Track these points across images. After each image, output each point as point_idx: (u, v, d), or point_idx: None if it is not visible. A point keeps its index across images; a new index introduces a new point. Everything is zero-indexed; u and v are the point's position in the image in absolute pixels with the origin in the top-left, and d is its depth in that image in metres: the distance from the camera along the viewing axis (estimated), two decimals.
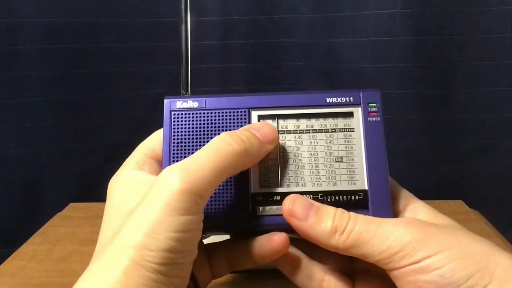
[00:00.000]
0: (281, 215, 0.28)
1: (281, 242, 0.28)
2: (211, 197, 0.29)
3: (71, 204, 0.61)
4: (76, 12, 0.66)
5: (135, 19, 0.68)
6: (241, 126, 0.30)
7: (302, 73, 0.71)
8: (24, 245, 0.50)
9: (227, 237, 0.32)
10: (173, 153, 0.30)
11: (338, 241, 0.26)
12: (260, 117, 0.31)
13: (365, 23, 0.65)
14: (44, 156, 0.68)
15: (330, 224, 0.26)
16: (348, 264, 0.31)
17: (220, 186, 0.29)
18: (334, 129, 0.30)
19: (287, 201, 0.28)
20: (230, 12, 0.69)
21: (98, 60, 0.68)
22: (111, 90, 0.70)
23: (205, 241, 0.32)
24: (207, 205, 0.29)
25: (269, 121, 0.31)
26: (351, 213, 0.27)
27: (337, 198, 0.29)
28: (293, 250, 0.30)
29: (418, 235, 0.25)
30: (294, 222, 0.27)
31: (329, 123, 0.31)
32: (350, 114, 0.31)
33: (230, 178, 0.29)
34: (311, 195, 0.29)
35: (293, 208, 0.27)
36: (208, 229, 0.29)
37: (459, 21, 0.65)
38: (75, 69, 0.67)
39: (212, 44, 0.69)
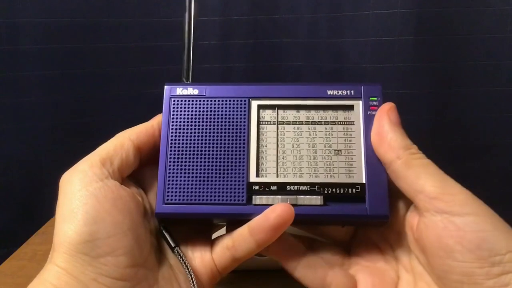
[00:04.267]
0: None
1: (283, 210, 0.27)
2: (206, 184, 0.29)
3: None
4: (76, 12, 0.66)
5: (135, 19, 0.68)
6: (241, 115, 0.30)
7: (302, 73, 0.71)
8: (24, 245, 0.50)
9: None
10: (171, 139, 0.30)
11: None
12: (260, 107, 0.30)
13: (365, 23, 0.65)
14: (44, 156, 0.68)
15: None
16: (347, 240, 0.32)
17: (216, 174, 0.29)
18: (334, 121, 0.30)
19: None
20: (230, 12, 0.69)
21: (98, 60, 0.68)
22: (111, 90, 0.70)
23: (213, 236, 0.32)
24: (203, 192, 0.29)
25: (269, 111, 0.31)
26: None
27: (334, 190, 0.29)
28: (295, 243, 0.30)
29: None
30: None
31: (329, 115, 0.31)
32: (350, 107, 0.31)
33: (226, 166, 0.29)
34: (308, 186, 0.29)
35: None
36: (203, 216, 0.29)
37: (459, 21, 0.65)
38: (75, 69, 0.67)
39: (212, 44, 0.69)
